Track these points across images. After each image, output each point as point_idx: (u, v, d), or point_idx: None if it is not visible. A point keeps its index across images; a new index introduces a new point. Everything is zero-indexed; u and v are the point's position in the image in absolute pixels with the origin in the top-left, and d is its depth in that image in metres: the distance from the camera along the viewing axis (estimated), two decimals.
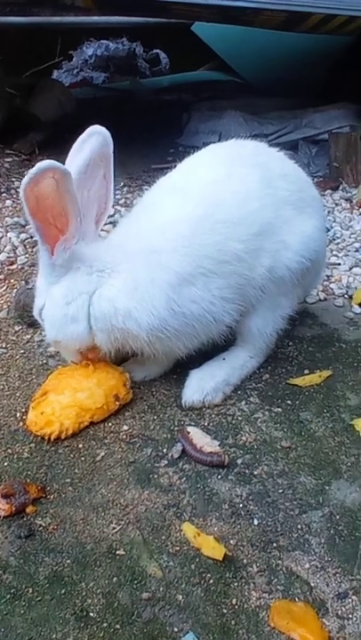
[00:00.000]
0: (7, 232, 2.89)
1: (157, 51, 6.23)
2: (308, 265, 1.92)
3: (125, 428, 1.79)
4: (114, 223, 2.90)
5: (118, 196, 3.36)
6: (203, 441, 1.72)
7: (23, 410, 1.84)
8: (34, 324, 2.15)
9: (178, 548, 1.45)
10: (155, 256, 1.75)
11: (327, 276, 2.62)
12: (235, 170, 1.89)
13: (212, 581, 1.39)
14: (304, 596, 1.37)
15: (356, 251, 2.88)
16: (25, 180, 1.56)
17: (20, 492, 1.54)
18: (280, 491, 1.61)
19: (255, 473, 1.66)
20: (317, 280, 2.25)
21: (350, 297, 2.49)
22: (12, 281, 2.50)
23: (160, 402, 1.90)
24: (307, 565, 1.43)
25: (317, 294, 2.48)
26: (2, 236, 2.85)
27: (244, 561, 1.43)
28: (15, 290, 2.35)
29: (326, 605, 1.35)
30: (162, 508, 1.55)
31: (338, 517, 1.54)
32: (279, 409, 1.89)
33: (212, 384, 1.90)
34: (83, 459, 1.69)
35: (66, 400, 1.79)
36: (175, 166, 2.01)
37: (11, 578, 1.38)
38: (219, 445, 1.73)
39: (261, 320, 1.94)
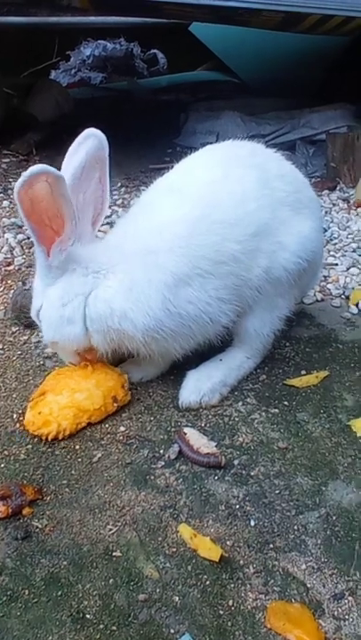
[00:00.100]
0: (4, 233, 2.89)
1: (155, 51, 6.23)
2: (305, 266, 1.92)
3: (122, 429, 1.79)
4: (111, 224, 2.90)
5: (115, 197, 3.36)
6: (199, 442, 1.72)
7: (20, 411, 1.84)
8: (31, 326, 2.15)
9: (174, 550, 1.45)
10: (151, 257, 1.74)
11: (324, 277, 2.62)
12: (232, 171, 1.89)
13: (208, 583, 1.39)
14: (300, 597, 1.37)
15: (354, 251, 2.89)
16: (18, 183, 1.56)
17: (17, 494, 1.53)
18: (277, 492, 1.61)
19: (252, 474, 1.66)
20: (314, 281, 2.26)
21: (347, 297, 2.50)
22: (9, 282, 2.50)
23: (157, 403, 1.90)
24: (303, 566, 1.43)
25: (314, 295, 2.48)
26: None
27: (241, 562, 1.43)
28: (12, 291, 2.35)
29: (323, 606, 1.35)
30: (158, 510, 1.55)
31: (334, 518, 1.54)
32: (276, 410, 1.89)
33: (209, 385, 1.90)
34: (79, 460, 1.69)
35: (64, 400, 1.79)
36: (173, 167, 2.02)
37: (7, 580, 1.38)
38: (215, 446, 1.73)
39: (258, 321, 1.94)
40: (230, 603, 1.35)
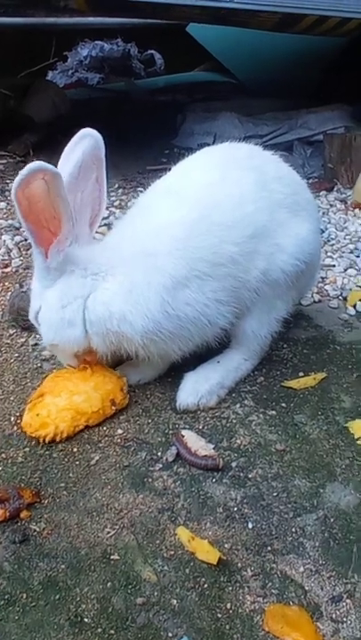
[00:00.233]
0: (1, 235, 2.88)
1: (152, 51, 6.23)
2: (302, 268, 1.92)
3: (120, 431, 1.79)
4: (108, 225, 2.91)
5: (113, 198, 3.36)
6: (197, 444, 1.71)
7: (17, 414, 1.84)
8: (28, 328, 2.14)
9: (172, 553, 1.45)
10: (150, 259, 1.74)
11: (322, 278, 2.62)
12: (229, 173, 1.89)
13: (206, 586, 1.38)
14: (298, 599, 1.37)
15: (351, 252, 2.89)
16: (16, 182, 1.55)
17: (15, 497, 1.53)
18: (274, 494, 1.61)
19: (250, 476, 1.66)
20: (312, 282, 2.26)
21: (345, 298, 2.50)
22: (6, 284, 2.50)
23: (155, 405, 1.90)
24: (301, 569, 1.43)
25: (312, 296, 2.48)
26: None
27: (239, 565, 1.43)
28: (9, 293, 2.34)
29: (321, 609, 1.35)
30: (156, 512, 1.55)
31: (332, 520, 1.54)
32: (274, 412, 1.89)
33: (207, 387, 1.90)
34: (77, 463, 1.69)
35: (62, 403, 1.79)
36: (170, 168, 2.02)
37: (5, 583, 1.37)
38: (213, 449, 1.73)
39: (256, 322, 1.94)
40: (228, 606, 1.35)
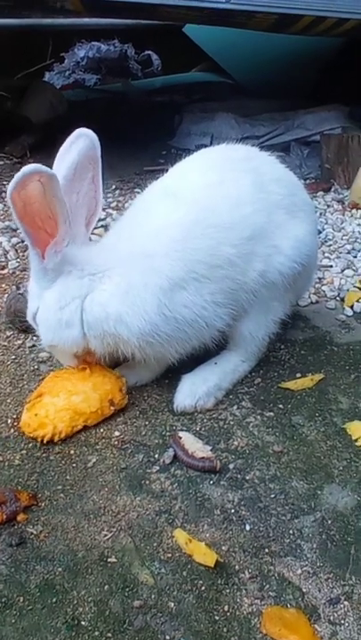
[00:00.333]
0: None
1: (149, 52, 6.22)
2: (300, 269, 1.92)
3: (117, 433, 1.79)
4: (105, 227, 2.90)
5: (110, 199, 3.36)
6: (195, 446, 1.71)
7: (14, 416, 1.83)
8: (26, 330, 2.14)
9: (170, 555, 1.45)
10: (147, 260, 1.74)
11: (319, 279, 2.62)
12: (227, 174, 1.89)
13: (203, 588, 1.38)
14: (296, 602, 1.36)
15: (348, 252, 2.89)
16: (11, 184, 1.55)
17: (11, 500, 1.53)
18: (272, 496, 1.61)
19: (247, 478, 1.66)
20: (309, 284, 2.26)
21: (342, 299, 2.50)
22: (3, 286, 2.49)
23: (152, 407, 1.89)
24: (299, 571, 1.43)
25: (309, 297, 2.48)
26: None
27: (236, 567, 1.43)
28: (6, 295, 2.34)
29: (318, 611, 1.35)
30: (154, 515, 1.55)
31: (330, 522, 1.54)
32: (271, 413, 1.88)
33: (204, 389, 1.90)
34: (74, 465, 1.69)
35: (60, 403, 1.78)
36: (167, 169, 2.01)
37: (1, 587, 1.37)
38: (211, 450, 1.72)
39: (253, 324, 1.94)
40: (226, 608, 1.34)
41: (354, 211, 3.32)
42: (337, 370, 2.08)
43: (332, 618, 1.33)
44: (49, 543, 1.47)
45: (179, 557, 1.44)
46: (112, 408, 1.83)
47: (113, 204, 3.31)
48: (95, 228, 2.53)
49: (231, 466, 1.69)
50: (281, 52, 4.96)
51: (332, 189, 3.61)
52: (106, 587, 1.38)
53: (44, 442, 1.73)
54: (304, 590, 1.39)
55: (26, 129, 4.05)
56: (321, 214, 3.27)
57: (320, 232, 3.01)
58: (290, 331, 2.25)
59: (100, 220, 2.87)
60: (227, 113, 4.30)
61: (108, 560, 1.43)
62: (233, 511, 1.56)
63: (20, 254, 2.73)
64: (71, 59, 6.05)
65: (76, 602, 1.35)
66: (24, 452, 1.72)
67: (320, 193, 3.55)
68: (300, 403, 1.93)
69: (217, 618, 1.33)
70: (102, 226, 2.91)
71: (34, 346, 2.13)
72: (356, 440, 1.79)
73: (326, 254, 2.85)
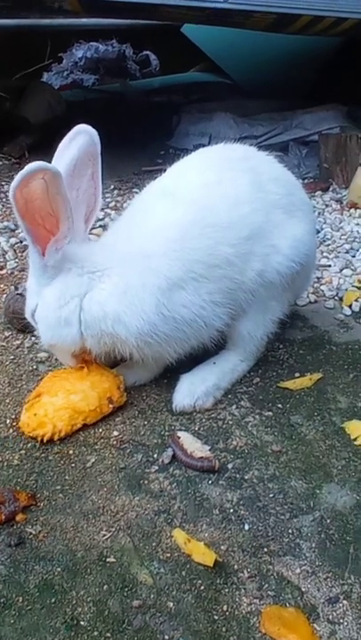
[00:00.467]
0: None
1: (147, 52, 6.23)
2: (298, 269, 1.92)
3: (116, 433, 1.79)
4: (104, 226, 2.90)
5: (108, 199, 3.36)
6: (193, 446, 1.71)
7: (13, 416, 1.83)
8: (24, 330, 2.14)
9: (168, 555, 1.45)
10: (146, 260, 1.74)
11: (317, 278, 2.63)
12: (225, 174, 1.89)
13: (202, 588, 1.38)
14: (295, 601, 1.36)
15: (347, 252, 2.89)
16: (15, 181, 1.55)
17: (10, 500, 1.53)
18: (271, 495, 1.61)
19: (246, 477, 1.66)
20: (307, 283, 2.25)
21: (341, 299, 2.50)
22: (1, 286, 2.49)
23: (151, 407, 1.89)
24: (298, 570, 1.43)
25: (308, 296, 2.48)
26: None
27: (235, 567, 1.43)
28: (5, 295, 2.34)
29: (317, 610, 1.35)
30: (152, 515, 1.55)
31: (329, 521, 1.54)
32: (270, 412, 1.88)
33: (203, 388, 1.89)
34: (73, 465, 1.68)
35: (59, 402, 1.79)
36: (165, 169, 2.01)
37: (0, 587, 1.37)
38: (209, 450, 1.72)
39: (252, 324, 1.94)
40: (225, 608, 1.34)
41: (352, 210, 3.32)
42: (336, 369, 2.08)
43: (331, 617, 1.33)
44: (48, 543, 1.47)
45: (178, 557, 1.44)
46: (111, 406, 1.83)
47: (111, 204, 3.31)
48: (93, 228, 2.54)
49: (230, 465, 1.69)
50: (279, 51, 4.97)
51: (331, 189, 3.61)
52: (105, 587, 1.38)
53: (44, 441, 1.73)
54: (303, 589, 1.39)
55: (24, 129, 4.05)
56: (319, 214, 3.27)
57: (318, 232, 3.02)
58: (288, 330, 2.25)
59: (98, 220, 2.87)
60: (225, 113, 4.30)
61: (107, 560, 1.43)
62: (232, 511, 1.56)
63: (19, 254, 2.73)
64: (69, 59, 6.05)
65: (75, 602, 1.35)
66: (23, 452, 1.72)
67: (318, 192, 3.55)
68: (299, 402, 1.93)
69: (216, 617, 1.33)
70: (101, 226, 2.92)
71: (32, 346, 2.13)
72: (354, 439, 1.79)
73: (325, 254, 2.85)
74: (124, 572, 1.41)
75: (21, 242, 2.79)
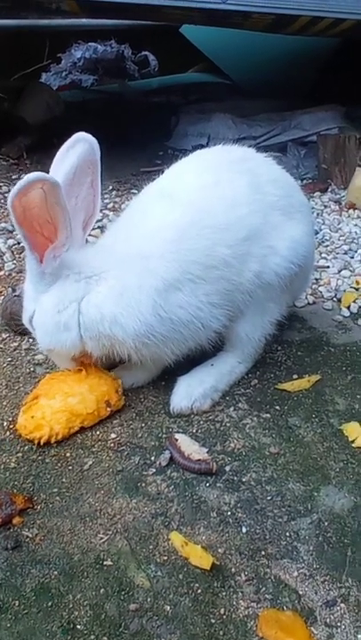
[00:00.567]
0: None
1: (146, 53, 6.21)
2: (296, 270, 1.91)
3: (113, 435, 1.78)
4: (102, 228, 2.89)
5: (107, 201, 3.35)
6: (191, 448, 1.71)
7: (10, 419, 1.83)
8: (21, 332, 2.13)
9: (166, 558, 1.44)
10: (143, 262, 1.74)
11: (316, 279, 2.62)
12: (222, 175, 1.89)
13: (200, 591, 1.38)
14: (292, 604, 1.36)
15: (345, 253, 2.89)
16: (13, 191, 1.55)
17: (7, 503, 1.52)
18: (268, 498, 1.61)
19: (244, 480, 1.66)
20: (306, 285, 2.25)
21: (339, 300, 2.49)
22: None
23: (148, 409, 1.89)
24: (295, 573, 1.42)
25: (306, 298, 2.48)
26: None
27: (233, 570, 1.42)
28: (2, 297, 2.33)
29: (315, 614, 1.34)
30: (150, 517, 1.54)
31: (326, 524, 1.54)
32: (268, 414, 1.88)
33: (201, 390, 1.89)
34: (70, 468, 1.68)
35: (57, 405, 1.78)
36: (164, 169, 2.01)
37: None
38: (207, 452, 1.72)
39: (250, 325, 1.93)
40: (222, 611, 1.34)
41: (351, 211, 3.31)
42: (334, 371, 2.08)
43: (328, 620, 1.33)
44: (44, 546, 1.46)
45: (175, 560, 1.44)
46: (108, 409, 1.82)
47: (110, 205, 3.31)
48: (92, 229, 2.53)
49: (227, 468, 1.69)
50: (278, 52, 4.96)
51: (329, 190, 3.60)
52: (102, 590, 1.37)
53: (41, 444, 1.73)
54: (300, 593, 1.38)
55: (22, 130, 4.04)
56: (318, 215, 3.26)
57: (317, 232, 3.01)
58: (286, 332, 2.24)
59: (96, 221, 2.86)
60: (224, 113, 4.29)
61: (104, 563, 1.43)
62: (229, 513, 1.56)
63: (17, 256, 2.72)
64: (68, 59, 6.03)
65: (71, 605, 1.34)
66: (20, 454, 1.72)
67: (317, 193, 3.55)
68: (297, 404, 1.93)
69: (213, 621, 1.32)
70: (99, 227, 2.91)
71: (30, 348, 2.13)
72: (352, 441, 1.78)
73: (323, 255, 2.85)
74: (120, 576, 1.40)
75: (19, 243, 2.78)
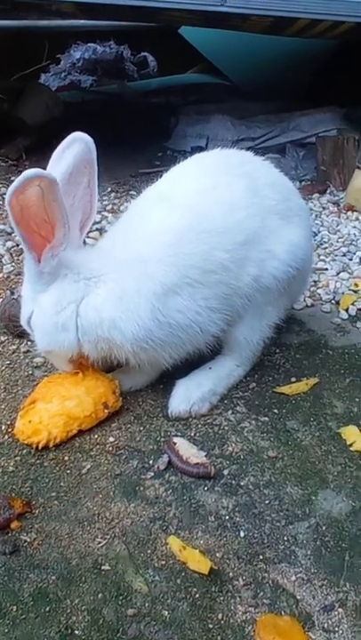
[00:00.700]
0: None
1: (145, 53, 6.20)
2: (294, 274, 1.92)
3: (111, 439, 1.78)
4: (101, 230, 2.90)
5: (105, 202, 3.35)
6: (189, 452, 1.71)
7: (8, 422, 1.83)
8: (20, 335, 2.13)
9: (164, 563, 1.45)
10: (141, 266, 1.74)
11: (314, 282, 2.62)
12: (221, 179, 1.89)
13: (197, 596, 1.38)
14: (290, 609, 1.36)
15: (344, 255, 2.89)
16: (11, 188, 1.55)
17: (5, 507, 1.52)
18: (266, 502, 1.61)
19: (242, 484, 1.66)
20: (304, 288, 2.25)
21: (337, 302, 2.49)
22: None
23: (146, 412, 1.89)
24: (293, 578, 1.42)
25: (304, 300, 2.48)
26: None
27: (230, 574, 1.43)
28: (0, 300, 2.33)
29: (312, 619, 1.34)
30: (148, 522, 1.54)
31: (324, 528, 1.54)
32: (266, 418, 1.88)
33: (199, 394, 1.89)
34: (68, 471, 1.68)
35: (54, 408, 1.78)
36: (163, 171, 2.01)
37: None
38: (205, 456, 1.72)
39: (248, 329, 1.93)
40: (220, 616, 1.34)
41: (349, 213, 3.32)
42: (332, 374, 2.08)
43: (326, 625, 1.33)
44: (42, 551, 1.46)
45: (173, 565, 1.44)
46: (106, 411, 1.82)
47: (108, 207, 3.30)
48: (90, 231, 2.53)
49: (226, 472, 1.69)
50: (277, 53, 4.96)
51: (328, 191, 3.60)
52: (100, 595, 1.37)
53: (39, 448, 1.73)
54: (298, 597, 1.38)
55: (21, 131, 4.04)
56: (316, 216, 3.26)
57: (315, 234, 3.01)
58: (285, 334, 2.25)
59: (95, 223, 2.86)
60: (222, 115, 4.29)
61: (102, 568, 1.43)
62: (227, 517, 1.56)
63: (15, 258, 2.72)
64: (67, 60, 6.02)
65: (69, 610, 1.34)
66: (18, 458, 1.72)
67: (316, 195, 3.55)
68: (295, 407, 1.93)
69: (211, 626, 1.32)
70: (97, 229, 2.91)
71: (28, 351, 2.13)
72: (350, 445, 1.78)
73: (322, 257, 2.85)
74: (118, 580, 1.41)
75: (18, 245, 2.78)
